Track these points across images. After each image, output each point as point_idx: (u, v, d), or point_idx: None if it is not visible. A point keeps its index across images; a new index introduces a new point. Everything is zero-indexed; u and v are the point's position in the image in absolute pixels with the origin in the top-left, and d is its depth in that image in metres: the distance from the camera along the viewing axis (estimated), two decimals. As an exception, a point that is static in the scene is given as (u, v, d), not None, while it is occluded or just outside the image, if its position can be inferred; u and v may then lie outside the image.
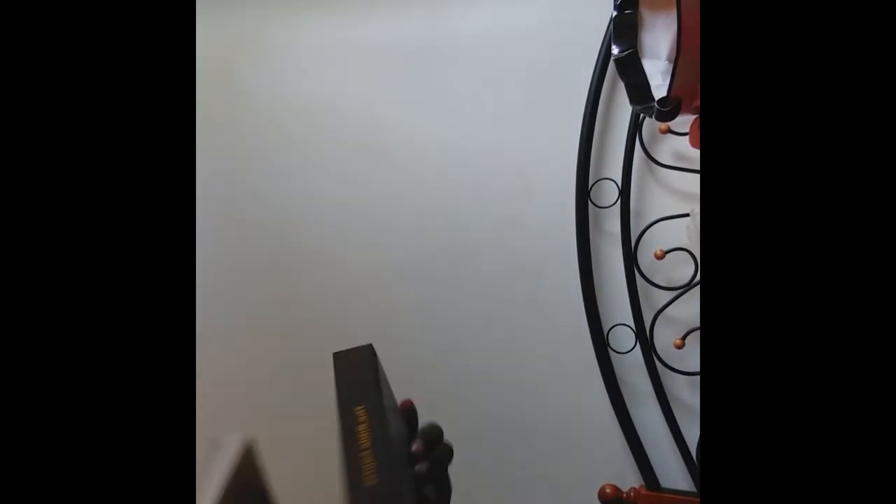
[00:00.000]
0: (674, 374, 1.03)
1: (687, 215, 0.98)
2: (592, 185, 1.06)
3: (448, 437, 0.65)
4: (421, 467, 0.55)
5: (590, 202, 1.06)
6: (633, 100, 0.66)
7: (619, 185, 1.04)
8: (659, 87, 0.62)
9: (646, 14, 0.64)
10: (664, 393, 1.04)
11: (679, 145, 1.01)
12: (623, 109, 1.05)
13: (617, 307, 1.07)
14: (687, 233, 0.97)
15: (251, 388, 1.28)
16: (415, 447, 0.55)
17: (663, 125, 0.99)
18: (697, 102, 0.60)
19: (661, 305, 1.03)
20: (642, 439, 1.05)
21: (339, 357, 0.57)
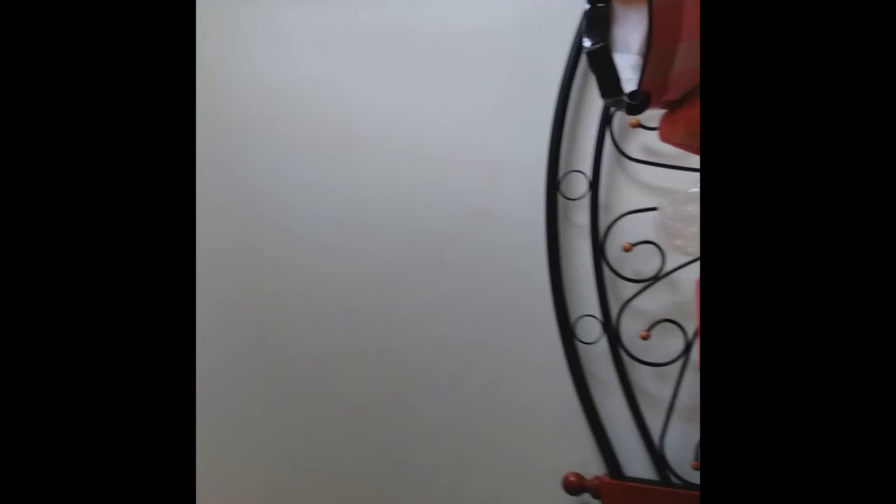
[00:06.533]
0: (639, 364, 1.04)
1: (655, 209, 1.00)
2: (562, 177, 1.07)
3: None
4: None
5: (559, 194, 1.06)
6: (604, 93, 0.67)
7: (590, 177, 1.05)
8: (629, 80, 0.62)
9: (618, 8, 0.64)
10: (629, 383, 1.06)
11: (648, 140, 1.02)
12: (594, 103, 1.05)
13: (584, 298, 1.08)
14: (655, 226, 0.98)
15: (225, 384, 1.27)
16: None
17: (634, 119, 1.00)
18: (667, 97, 0.60)
19: (627, 297, 1.04)
20: (606, 429, 1.07)
21: None
